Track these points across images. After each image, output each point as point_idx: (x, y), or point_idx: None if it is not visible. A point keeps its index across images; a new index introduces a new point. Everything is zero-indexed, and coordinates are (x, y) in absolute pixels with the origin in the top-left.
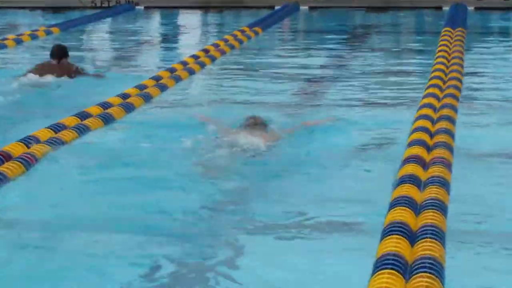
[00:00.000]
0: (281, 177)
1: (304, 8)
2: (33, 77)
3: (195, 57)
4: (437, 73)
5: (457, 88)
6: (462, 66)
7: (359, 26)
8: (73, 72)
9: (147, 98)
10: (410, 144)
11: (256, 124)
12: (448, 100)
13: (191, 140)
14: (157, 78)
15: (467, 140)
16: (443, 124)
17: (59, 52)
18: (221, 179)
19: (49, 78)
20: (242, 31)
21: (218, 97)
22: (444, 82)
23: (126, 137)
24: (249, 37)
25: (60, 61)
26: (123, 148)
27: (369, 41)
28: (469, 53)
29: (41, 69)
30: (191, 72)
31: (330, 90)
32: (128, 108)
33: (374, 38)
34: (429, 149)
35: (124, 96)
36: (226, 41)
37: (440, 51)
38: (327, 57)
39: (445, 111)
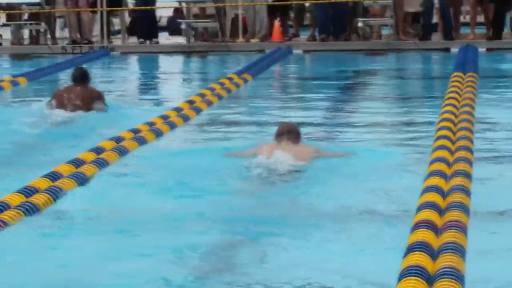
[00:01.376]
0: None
1: (297, 52)
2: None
3: (177, 109)
4: (445, 123)
5: (470, 140)
6: (473, 115)
7: (359, 71)
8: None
9: (123, 152)
10: (421, 208)
11: (289, 132)
12: (461, 154)
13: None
14: (135, 131)
15: (484, 198)
16: (457, 181)
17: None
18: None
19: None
20: (230, 79)
21: (204, 157)
22: (454, 133)
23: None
24: (237, 85)
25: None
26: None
27: (369, 88)
28: (481, 100)
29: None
30: (173, 126)
31: (329, 142)
32: (102, 164)
33: (375, 84)
34: (442, 211)
35: (98, 150)
36: (212, 90)
37: (448, 98)
38: (325, 105)
39: (461, 166)
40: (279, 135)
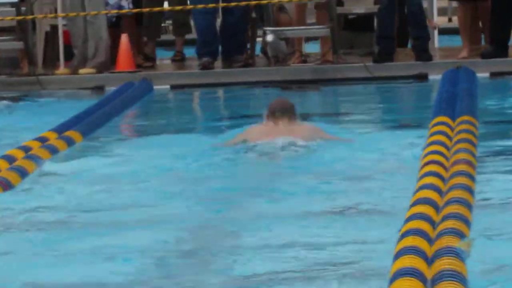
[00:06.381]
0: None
1: (161, 88)
2: None
3: None
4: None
5: None
6: (472, 195)
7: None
8: None
9: None
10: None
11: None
12: None
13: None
14: None
15: None
16: None
17: None
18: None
19: None
20: (42, 140)
21: None
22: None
23: None
24: (54, 151)
25: None
26: None
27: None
28: (483, 164)
29: None
30: None
31: None
32: None
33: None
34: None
35: None
36: (10, 160)
37: (427, 163)
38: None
39: None
40: (273, 113)
